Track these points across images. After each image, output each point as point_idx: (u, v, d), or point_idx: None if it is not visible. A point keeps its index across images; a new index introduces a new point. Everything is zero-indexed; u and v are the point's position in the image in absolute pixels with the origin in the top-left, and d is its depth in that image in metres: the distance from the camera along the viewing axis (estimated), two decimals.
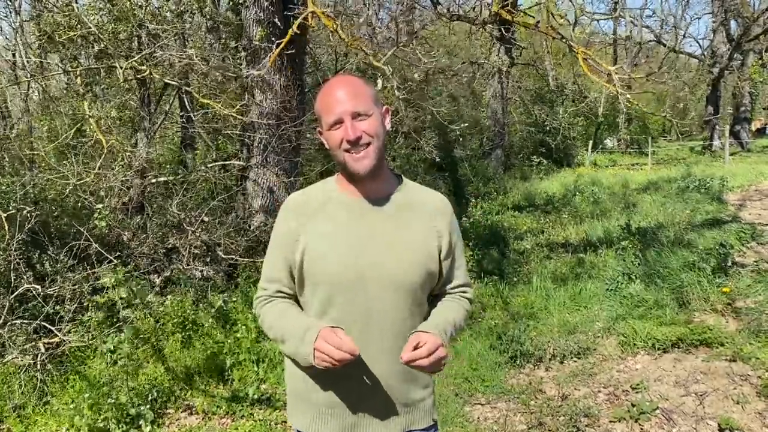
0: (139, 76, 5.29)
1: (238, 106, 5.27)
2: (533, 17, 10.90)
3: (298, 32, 4.79)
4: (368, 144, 1.41)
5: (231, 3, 6.09)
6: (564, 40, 6.43)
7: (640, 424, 3.26)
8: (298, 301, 1.55)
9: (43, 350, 3.77)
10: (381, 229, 1.46)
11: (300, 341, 1.39)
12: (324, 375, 1.44)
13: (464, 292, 1.62)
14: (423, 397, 1.53)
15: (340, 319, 1.43)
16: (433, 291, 1.58)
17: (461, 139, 12.37)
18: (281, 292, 1.53)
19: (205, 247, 5.27)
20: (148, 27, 5.25)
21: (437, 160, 9.42)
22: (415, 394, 1.50)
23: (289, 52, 5.24)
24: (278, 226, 1.54)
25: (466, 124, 10.29)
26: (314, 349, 1.34)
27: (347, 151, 1.41)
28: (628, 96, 5.60)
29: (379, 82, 4.88)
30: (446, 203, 1.58)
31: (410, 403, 1.50)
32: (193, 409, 3.61)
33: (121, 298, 4.03)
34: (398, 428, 1.49)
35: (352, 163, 1.41)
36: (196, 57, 5.20)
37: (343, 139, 1.40)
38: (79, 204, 5.07)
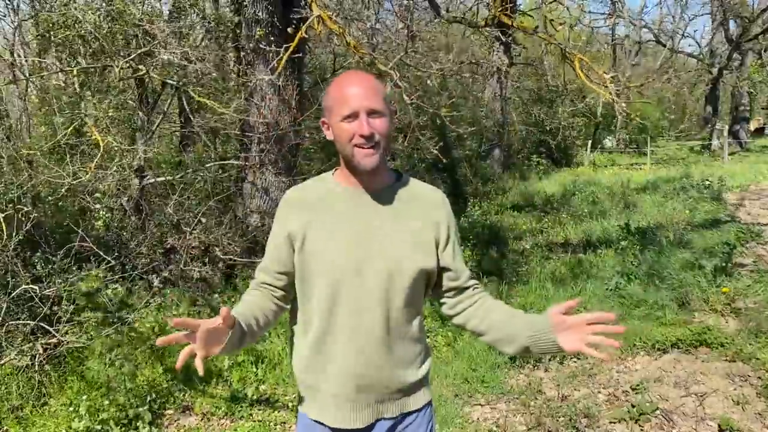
0: (135, 75, 5.26)
1: (234, 105, 5.25)
2: (532, 17, 10.89)
3: (306, 36, 4.78)
4: (378, 142, 1.44)
5: (230, 2, 6.07)
6: (560, 46, 6.40)
7: (639, 425, 3.25)
8: (288, 293, 1.57)
9: (41, 351, 3.75)
10: (379, 221, 1.49)
11: None
12: (321, 365, 1.50)
13: (481, 289, 1.63)
14: (418, 378, 1.57)
15: (337, 309, 1.46)
16: (447, 286, 1.57)
17: (462, 136, 12.32)
18: (266, 284, 1.57)
19: (203, 248, 5.26)
20: (144, 27, 5.22)
21: (439, 159, 9.37)
22: (409, 378, 1.54)
23: (295, 55, 5.22)
24: (278, 219, 1.57)
25: (466, 126, 10.24)
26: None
27: (357, 145, 1.43)
28: (623, 104, 5.61)
29: (388, 86, 4.84)
30: (443, 197, 1.61)
31: (406, 387, 1.54)
32: (192, 410, 3.59)
33: (119, 299, 4.02)
34: (396, 411, 1.54)
35: (360, 158, 1.44)
36: (193, 56, 5.18)
37: (356, 133, 1.42)
38: (77, 204, 5.05)
